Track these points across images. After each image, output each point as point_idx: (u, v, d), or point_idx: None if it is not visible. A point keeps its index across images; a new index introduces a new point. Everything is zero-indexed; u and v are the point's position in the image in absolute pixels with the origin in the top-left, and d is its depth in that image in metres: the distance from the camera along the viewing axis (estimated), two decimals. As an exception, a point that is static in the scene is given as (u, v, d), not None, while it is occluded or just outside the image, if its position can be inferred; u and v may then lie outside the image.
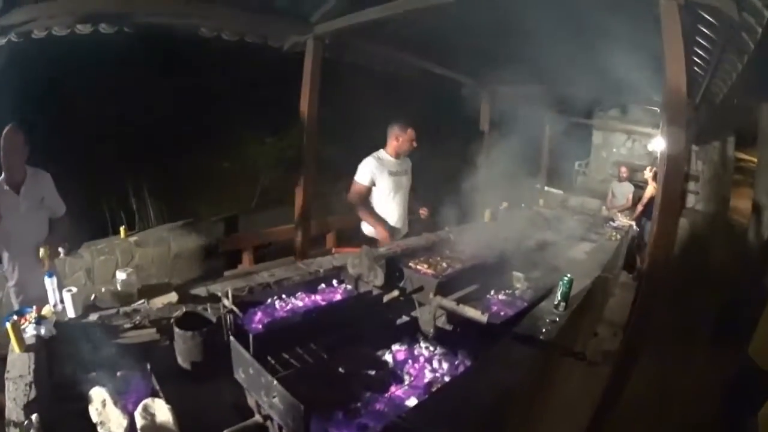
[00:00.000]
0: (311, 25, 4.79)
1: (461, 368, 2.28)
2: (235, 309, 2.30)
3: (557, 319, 2.76)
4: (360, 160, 4.47)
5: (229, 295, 2.37)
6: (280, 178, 8.64)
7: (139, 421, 1.73)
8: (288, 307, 2.79)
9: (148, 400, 1.81)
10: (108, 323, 2.46)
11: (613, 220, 6.82)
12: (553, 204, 8.21)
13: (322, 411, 1.78)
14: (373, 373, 2.08)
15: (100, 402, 1.78)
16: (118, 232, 6.13)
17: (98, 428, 1.74)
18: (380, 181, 4.43)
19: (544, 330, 2.60)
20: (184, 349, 2.21)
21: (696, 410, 4.04)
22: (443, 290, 3.14)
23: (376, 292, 2.98)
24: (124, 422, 1.73)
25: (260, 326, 2.49)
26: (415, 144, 4.53)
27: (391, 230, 4.47)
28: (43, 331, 2.20)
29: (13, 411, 1.70)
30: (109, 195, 6.95)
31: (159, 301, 2.71)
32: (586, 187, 11.94)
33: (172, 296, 2.76)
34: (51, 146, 4.28)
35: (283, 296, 2.90)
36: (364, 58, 6.07)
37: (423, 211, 4.73)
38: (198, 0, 4.18)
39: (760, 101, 6.14)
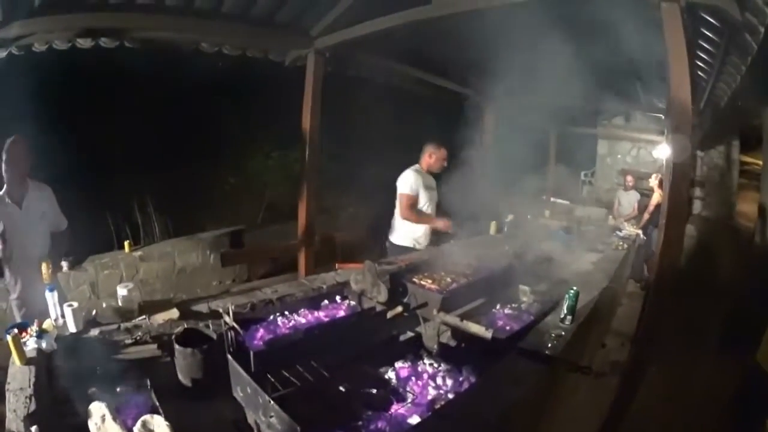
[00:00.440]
0: (312, 38, 4.80)
1: (465, 385, 2.24)
2: (236, 326, 2.28)
3: (563, 333, 2.72)
4: (366, 177, 4.60)
5: (230, 312, 2.35)
6: (285, 193, 8.65)
7: (138, 437, 1.72)
8: (290, 324, 2.77)
9: (147, 416, 1.79)
10: (109, 338, 2.46)
11: (620, 230, 6.77)
12: (559, 215, 8.16)
13: (321, 430, 1.75)
14: (374, 391, 2.05)
15: (100, 417, 1.77)
16: (122, 247, 6.15)
17: (97, 443, 1.73)
18: (420, 194, 4.77)
19: (549, 345, 2.56)
20: (184, 365, 2.19)
21: (705, 418, 3.98)
22: (448, 305, 3.09)
23: (379, 308, 2.95)
24: (123, 438, 1.72)
25: (262, 343, 2.47)
26: (446, 163, 4.88)
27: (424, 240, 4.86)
28: (44, 345, 2.22)
29: (13, 422, 1.71)
30: (114, 209, 6.96)
31: (160, 317, 2.70)
32: (593, 197, 11.90)
33: (174, 312, 2.75)
34: (55, 160, 4.30)
35: (286, 313, 2.89)
36: (365, 71, 6.08)
37: (445, 225, 4.83)
38: (198, 15, 4.18)
39: (764, 103, 6.08)
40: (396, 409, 1.97)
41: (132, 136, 7.74)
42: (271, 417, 1.68)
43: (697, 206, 10.51)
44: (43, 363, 2.12)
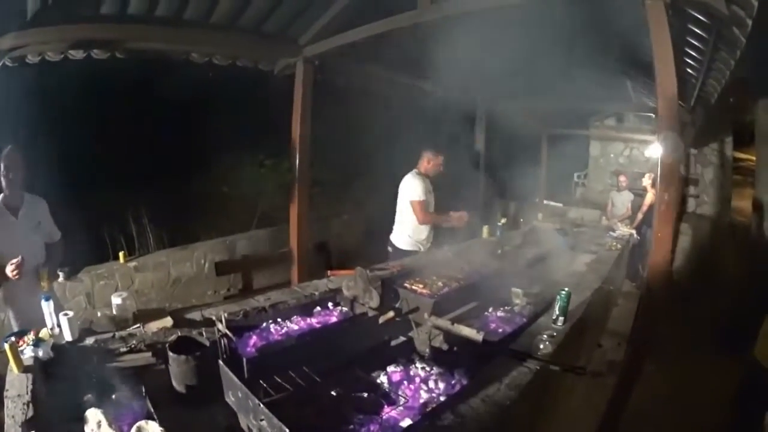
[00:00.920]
0: (300, 47, 4.83)
1: (458, 387, 2.25)
2: (228, 333, 2.29)
3: (555, 333, 2.73)
4: (359, 183, 4.66)
5: (223, 320, 2.37)
6: (279, 201, 8.65)
7: (134, 443, 1.73)
8: (283, 331, 2.77)
9: (142, 422, 1.81)
10: (104, 347, 2.49)
11: (614, 230, 6.80)
12: (552, 217, 8.20)
13: (312, 434, 1.76)
14: (366, 395, 2.06)
15: (96, 423, 1.79)
16: (117, 258, 6.15)
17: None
18: (428, 197, 4.88)
19: (542, 346, 2.57)
20: (178, 372, 2.21)
21: (704, 417, 3.99)
22: (440, 309, 3.12)
23: (371, 313, 2.95)
24: (119, 444, 1.73)
25: (254, 350, 2.47)
26: (442, 168, 5.00)
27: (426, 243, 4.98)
28: (40, 353, 2.25)
29: (12, 428, 1.74)
30: (108, 220, 6.95)
31: (154, 326, 2.72)
32: (586, 199, 11.94)
33: (167, 321, 2.77)
34: (49, 172, 4.30)
35: (278, 320, 2.89)
36: (355, 79, 6.11)
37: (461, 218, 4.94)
38: (188, 25, 4.21)
39: (755, 98, 6.10)
40: (387, 412, 1.98)
41: (125, 147, 7.74)
42: (261, 420, 1.69)
43: (691, 204, 10.55)
44: (39, 370, 2.15)
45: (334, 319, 3.01)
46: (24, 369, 2.11)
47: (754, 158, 7.17)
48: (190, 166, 8.06)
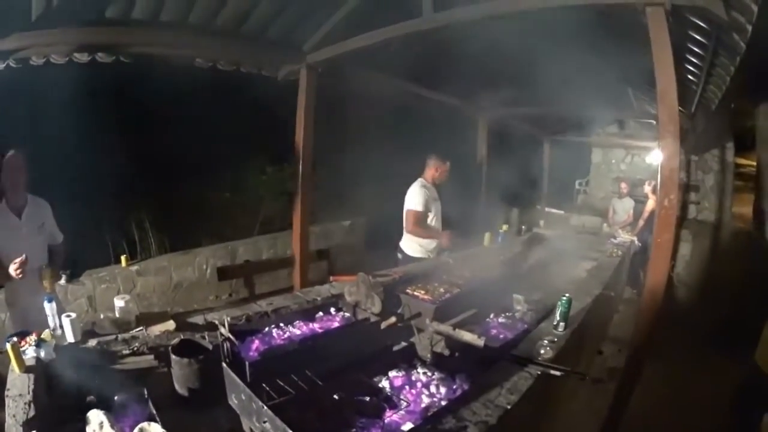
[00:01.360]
0: (304, 53, 4.85)
1: (459, 392, 2.26)
2: (231, 337, 2.30)
3: (556, 339, 2.74)
4: (363, 189, 4.70)
5: (226, 324, 2.37)
6: (281, 207, 8.68)
7: (136, 445, 1.74)
8: (285, 336, 2.78)
9: (144, 424, 1.82)
10: (106, 349, 2.51)
11: (615, 237, 6.82)
12: (554, 225, 8.21)
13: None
14: (368, 399, 2.06)
15: (98, 424, 1.80)
16: (119, 261, 6.17)
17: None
18: (430, 208, 4.94)
19: (543, 351, 2.58)
20: (180, 375, 2.21)
21: (706, 421, 4.00)
22: (441, 315, 3.12)
23: (373, 319, 2.97)
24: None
25: (257, 354, 2.48)
26: (446, 174, 5.09)
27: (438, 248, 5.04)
28: (42, 354, 2.26)
29: (13, 427, 1.75)
30: (110, 224, 6.98)
31: (157, 329, 2.73)
32: (588, 206, 11.93)
33: (170, 324, 2.78)
34: (52, 175, 4.33)
35: (281, 324, 2.89)
36: (358, 85, 6.13)
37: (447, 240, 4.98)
38: (193, 30, 4.23)
39: (756, 103, 6.10)
40: (389, 416, 1.98)
41: (128, 151, 7.76)
42: (265, 422, 1.70)
43: (692, 211, 10.55)
44: (41, 371, 2.16)
45: (336, 325, 3.02)
46: (26, 369, 2.13)
47: (755, 164, 7.19)
48: (193, 172, 8.08)
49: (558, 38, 4.14)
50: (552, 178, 11.47)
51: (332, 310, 3.22)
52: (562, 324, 2.89)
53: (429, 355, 2.59)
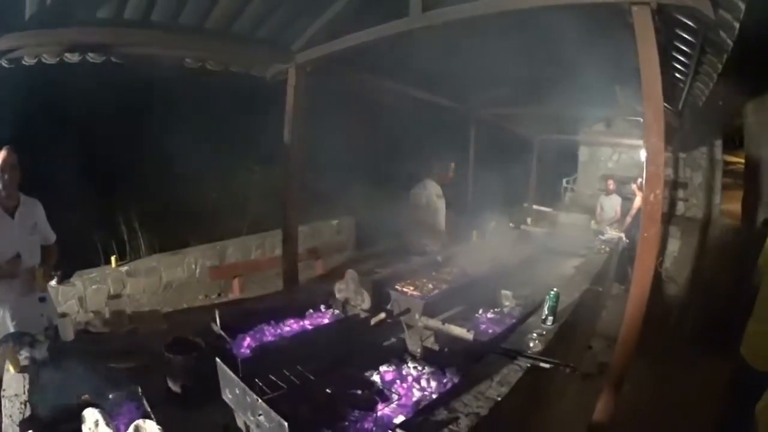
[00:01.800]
0: (293, 53, 4.85)
1: (449, 386, 2.29)
2: (223, 334, 2.32)
3: (545, 332, 2.78)
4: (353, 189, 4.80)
5: (218, 321, 2.39)
6: (270, 207, 8.67)
7: (131, 442, 1.75)
8: (276, 333, 2.80)
9: (139, 421, 1.83)
10: (100, 347, 2.50)
11: (603, 234, 6.87)
12: (542, 222, 8.26)
13: (308, 429, 1.79)
14: (360, 392, 2.09)
15: (93, 422, 1.81)
16: (109, 262, 6.15)
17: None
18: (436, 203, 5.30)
19: (531, 344, 2.62)
20: (174, 373, 2.23)
21: (695, 415, 4.04)
22: (430, 311, 3.15)
23: (363, 315, 2.99)
24: (116, 443, 1.75)
25: (249, 351, 2.50)
26: (452, 175, 5.58)
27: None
28: (37, 354, 2.27)
29: (9, 427, 1.77)
30: (100, 225, 6.96)
31: (149, 327, 2.74)
32: (575, 203, 11.99)
33: (162, 323, 2.79)
34: (42, 175, 4.31)
35: (272, 322, 2.91)
36: (347, 86, 6.14)
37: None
38: (183, 30, 4.23)
39: (743, 100, 6.15)
40: (381, 409, 2.01)
41: (117, 153, 7.74)
42: (259, 416, 1.72)
43: (680, 207, 10.62)
44: (36, 371, 2.17)
45: (326, 321, 3.04)
46: (20, 369, 2.14)
47: (743, 161, 7.25)
48: (181, 172, 8.04)
49: (545, 38, 4.18)
50: (540, 176, 11.53)
51: (322, 307, 3.24)
52: (550, 318, 2.93)
53: (419, 350, 2.62)
